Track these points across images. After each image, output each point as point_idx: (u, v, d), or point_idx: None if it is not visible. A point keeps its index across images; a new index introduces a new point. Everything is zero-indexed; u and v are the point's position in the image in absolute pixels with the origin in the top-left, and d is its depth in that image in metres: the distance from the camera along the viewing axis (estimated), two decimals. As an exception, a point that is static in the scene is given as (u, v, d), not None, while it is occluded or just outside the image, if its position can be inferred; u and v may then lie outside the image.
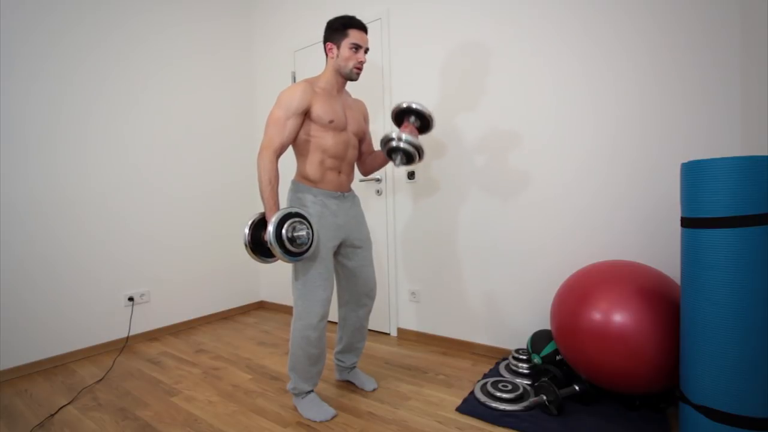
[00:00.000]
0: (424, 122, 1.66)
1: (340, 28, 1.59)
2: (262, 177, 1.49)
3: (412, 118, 1.65)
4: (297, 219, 1.48)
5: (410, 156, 1.62)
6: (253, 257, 1.52)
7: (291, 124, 1.52)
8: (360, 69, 1.62)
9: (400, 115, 1.67)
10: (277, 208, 1.50)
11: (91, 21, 2.46)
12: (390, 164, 2.56)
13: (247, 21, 3.37)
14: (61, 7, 2.34)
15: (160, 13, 2.79)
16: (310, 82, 1.59)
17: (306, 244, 1.49)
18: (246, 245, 1.50)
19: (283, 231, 1.44)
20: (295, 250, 1.47)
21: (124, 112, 2.61)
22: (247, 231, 1.50)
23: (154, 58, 2.75)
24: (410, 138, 1.58)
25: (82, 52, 2.43)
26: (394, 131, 1.60)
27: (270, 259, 1.56)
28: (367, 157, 1.86)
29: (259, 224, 1.53)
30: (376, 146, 2.61)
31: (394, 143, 1.60)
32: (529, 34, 2.04)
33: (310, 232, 1.50)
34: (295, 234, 1.46)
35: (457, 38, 2.27)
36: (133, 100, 2.65)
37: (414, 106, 1.62)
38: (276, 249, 1.42)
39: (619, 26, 1.81)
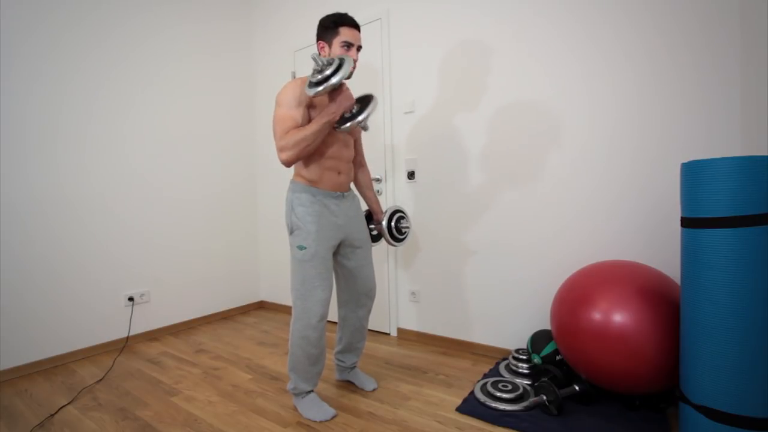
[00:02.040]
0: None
1: (331, 26, 1.58)
2: (298, 139, 1.46)
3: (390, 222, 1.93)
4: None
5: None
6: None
7: (298, 113, 1.51)
8: (353, 67, 1.62)
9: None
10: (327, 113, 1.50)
11: (91, 21, 2.46)
12: (390, 161, 2.56)
13: (247, 21, 3.37)
14: (61, 7, 2.34)
15: (160, 13, 2.79)
16: (304, 81, 1.58)
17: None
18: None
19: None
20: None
21: (124, 112, 2.61)
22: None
23: (154, 58, 2.75)
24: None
25: (82, 52, 2.43)
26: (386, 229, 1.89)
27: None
28: (359, 172, 1.89)
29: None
30: (370, 149, 2.62)
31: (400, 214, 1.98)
32: (529, 34, 2.04)
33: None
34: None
35: (457, 38, 2.27)
36: (132, 100, 2.65)
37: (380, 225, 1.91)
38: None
39: (618, 26, 1.81)
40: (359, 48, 1.62)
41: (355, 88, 2.61)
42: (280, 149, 1.48)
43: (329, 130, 1.57)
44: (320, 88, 1.44)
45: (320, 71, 1.47)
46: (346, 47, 1.58)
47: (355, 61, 1.60)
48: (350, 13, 1.63)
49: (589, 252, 1.92)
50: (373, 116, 2.61)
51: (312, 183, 1.61)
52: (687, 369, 1.27)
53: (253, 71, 3.41)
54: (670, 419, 1.53)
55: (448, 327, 2.39)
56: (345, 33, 1.57)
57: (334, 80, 1.43)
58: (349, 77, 1.52)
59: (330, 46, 1.59)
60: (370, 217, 1.95)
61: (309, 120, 1.55)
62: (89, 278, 2.44)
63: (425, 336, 2.48)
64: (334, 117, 1.50)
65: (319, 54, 1.62)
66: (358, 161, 1.88)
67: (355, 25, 1.60)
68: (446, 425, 1.57)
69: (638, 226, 1.80)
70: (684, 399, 1.29)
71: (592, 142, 1.90)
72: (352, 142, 1.73)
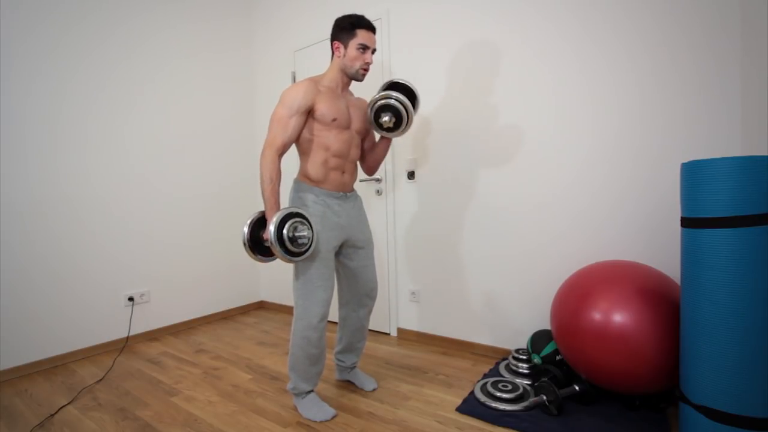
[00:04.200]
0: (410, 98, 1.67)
1: (348, 27, 1.57)
2: (263, 175, 1.50)
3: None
4: (298, 219, 1.48)
5: (399, 116, 1.61)
6: (251, 256, 1.52)
7: (294, 123, 1.52)
8: (366, 70, 1.62)
9: (390, 88, 1.68)
10: (278, 207, 1.50)
11: (91, 21, 2.46)
12: (391, 161, 2.56)
13: (247, 21, 3.37)
14: (61, 7, 2.34)
15: (160, 13, 2.79)
16: (314, 81, 1.59)
17: (306, 244, 1.49)
18: (245, 244, 1.51)
19: (284, 231, 1.43)
20: (296, 250, 1.47)
21: (124, 111, 2.61)
22: (246, 230, 1.50)
23: (154, 58, 2.75)
24: (401, 96, 1.59)
25: (82, 51, 2.43)
26: (384, 91, 1.62)
27: (268, 258, 1.56)
28: (368, 153, 1.85)
29: (259, 223, 1.53)
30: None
31: (384, 100, 1.60)
32: (530, 35, 2.04)
33: (311, 232, 1.50)
34: (296, 234, 1.46)
35: (457, 38, 2.27)
36: (133, 99, 2.65)
37: (403, 81, 1.66)
38: (277, 249, 1.42)
39: (619, 26, 1.81)
40: (374, 51, 1.62)
41: (357, 87, 2.61)
42: (266, 147, 1.51)
43: (340, 130, 1.60)
44: (269, 241, 1.43)
45: (291, 239, 1.46)
46: (361, 50, 1.58)
47: (369, 64, 1.61)
48: (351, 13, 1.62)
49: (589, 252, 1.92)
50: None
51: (316, 183, 1.61)
52: (687, 369, 1.27)
53: (253, 71, 3.41)
54: (670, 419, 1.53)
55: (448, 327, 2.39)
56: (362, 36, 1.57)
57: (275, 251, 1.43)
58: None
59: (345, 47, 1.59)
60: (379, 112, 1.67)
61: (303, 126, 1.56)
62: (89, 278, 2.44)
63: (425, 336, 2.48)
64: (268, 214, 1.50)
65: (333, 54, 1.62)
66: (371, 147, 1.84)
67: (372, 28, 1.60)
68: (446, 425, 1.57)
69: (638, 226, 1.80)
70: (684, 399, 1.29)
71: (594, 142, 1.90)
72: (360, 141, 1.73)
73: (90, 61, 2.46)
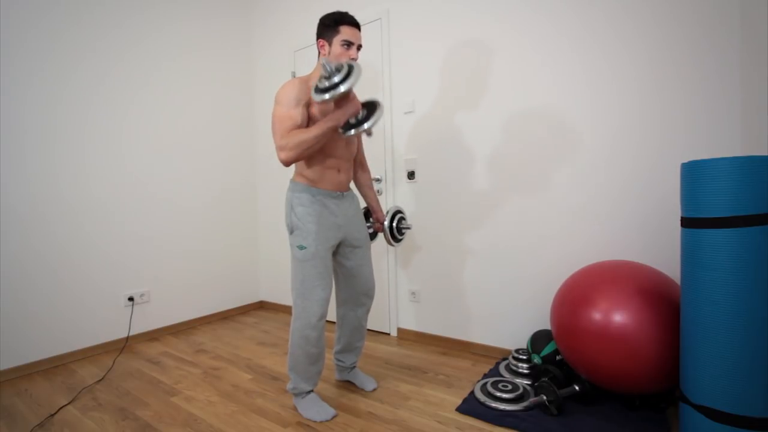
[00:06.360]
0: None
1: (331, 24, 1.57)
2: (302, 141, 1.44)
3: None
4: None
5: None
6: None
7: (297, 113, 1.50)
8: None
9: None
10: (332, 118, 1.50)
11: (89, 21, 2.46)
12: (390, 161, 2.56)
13: (246, 20, 3.37)
14: (60, 7, 2.34)
15: (159, 13, 2.79)
16: (303, 80, 1.58)
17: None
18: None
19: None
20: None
21: (123, 112, 2.61)
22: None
23: (152, 58, 2.75)
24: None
25: (81, 52, 2.43)
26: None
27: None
28: (359, 171, 1.91)
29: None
30: (370, 149, 2.62)
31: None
32: (530, 34, 2.04)
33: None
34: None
35: (457, 38, 2.27)
36: (131, 100, 2.65)
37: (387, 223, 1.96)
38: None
39: (619, 25, 1.81)
40: (359, 47, 1.62)
41: (357, 87, 2.61)
42: (280, 148, 1.47)
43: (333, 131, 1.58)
44: (327, 96, 1.41)
45: (328, 77, 1.45)
46: (346, 46, 1.57)
47: (354, 60, 1.59)
48: (350, 13, 1.62)
49: (589, 252, 1.92)
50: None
51: (312, 183, 1.61)
52: (687, 369, 1.27)
53: (252, 71, 3.41)
54: (670, 419, 1.54)
55: (448, 327, 2.39)
56: (345, 32, 1.57)
57: (342, 88, 1.40)
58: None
59: (330, 44, 1.58)
60: (368, 215, 1.96)
61: (308, 118, 1.55)
62: (89, 278, 2.44)
63: (425, 336, 2.48)
64: (338, 123, 1.49)
65: (319, 53, 1.63)
66: (358, 160, 1.88)
67: (355, 24, 1.60)
68: (446, 425, 1.57)
69: (638, 226, 1.80)
70: (684, 399, 1.29)
71: (593, 142, 1.90)
72: (355, 140, 1.74)
73: (88, 61, 2.45)
